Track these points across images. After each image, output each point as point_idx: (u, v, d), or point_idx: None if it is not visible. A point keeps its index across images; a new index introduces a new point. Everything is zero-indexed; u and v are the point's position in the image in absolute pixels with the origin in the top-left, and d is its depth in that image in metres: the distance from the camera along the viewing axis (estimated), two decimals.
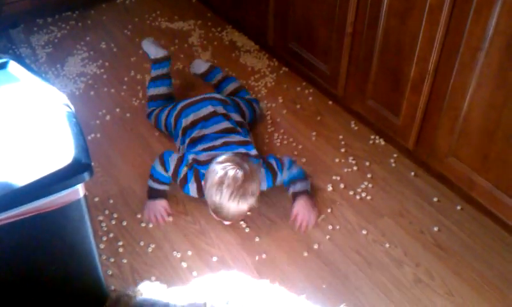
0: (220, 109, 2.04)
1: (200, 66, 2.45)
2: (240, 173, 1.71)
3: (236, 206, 1.71)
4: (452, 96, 1.72)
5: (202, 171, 1.84)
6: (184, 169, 1.86)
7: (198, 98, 2.10)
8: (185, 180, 1.86)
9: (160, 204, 1.89)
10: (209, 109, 2.02)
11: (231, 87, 2.33)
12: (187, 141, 1.96)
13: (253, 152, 1.91)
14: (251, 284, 1.29)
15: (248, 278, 1.34)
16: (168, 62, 2.28)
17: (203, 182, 1.81)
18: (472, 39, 1.58)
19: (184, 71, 2.53)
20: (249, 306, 1.21)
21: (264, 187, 1.87)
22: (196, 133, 1.96)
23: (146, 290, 1.41)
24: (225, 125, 1.98)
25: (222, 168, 1.73)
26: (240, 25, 2.79)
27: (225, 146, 1.89)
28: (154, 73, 2.26)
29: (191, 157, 1.88)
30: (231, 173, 1.71)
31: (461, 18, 1.60)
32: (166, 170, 1.88)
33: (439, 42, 1.69)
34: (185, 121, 2.01)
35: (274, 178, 1.88)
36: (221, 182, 1.70)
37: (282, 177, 1.90)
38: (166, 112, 2.12)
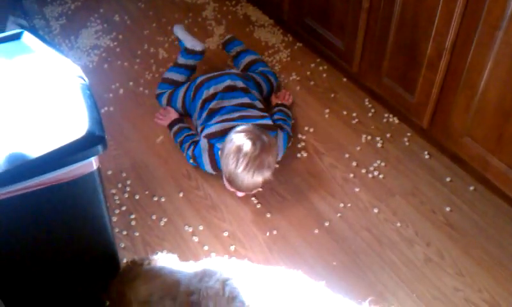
0: (239, 83, 2.04)
1: (224, 36, 2.49)
2: (258, 144, 1.70)
3: (251, 177, 1.71)
4: (469, 74, 1.69)
5: (218, 144, 1.84)
6: (190, 154, 1.93)
7: (218, 72, 2.11)
8: (195, 158, 1.92)
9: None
10: (228, 82, 2.03)
11: (249, 58, 2.31)
12: (204, 113, 1.97)
13: (270, 123, 1.92)
14: (268, 270, 1.29)
15: (263, 267, 1.33)
16: (202, 57, 2.26)
17: (219, 152, 1.82)
18: (491, 17, 1.55)
19: None
20: (266, 294, 1.21)
21: (281, 153, 1.92)
22: (214, 104, 1.97)
23: (160, 260, 1.42)
24: (243, 99, 1.99)
25: (240, 137, 1.72)
26: None
27: (241, 119, 1.89)
28: (183, 61, 2.23)
29: (204, 133, 1.88)
30: (249, 142, 1.70)
31: None
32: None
33: (457, 19, 1.65)
34: (207, 93, 2.02)
35: (289, 141, 2.01)
36: (237, 151, 1.70)
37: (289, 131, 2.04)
38: (184, 87, 2.12)
